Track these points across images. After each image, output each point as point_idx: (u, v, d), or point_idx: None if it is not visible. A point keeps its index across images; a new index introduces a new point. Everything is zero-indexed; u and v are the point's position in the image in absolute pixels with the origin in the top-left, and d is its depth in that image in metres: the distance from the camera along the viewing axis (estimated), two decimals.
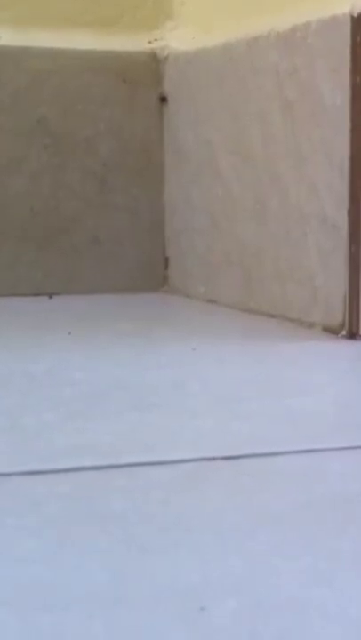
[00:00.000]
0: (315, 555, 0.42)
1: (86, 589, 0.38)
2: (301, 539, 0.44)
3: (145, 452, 0.56)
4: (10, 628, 0.35)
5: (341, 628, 0.35)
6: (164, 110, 1.26)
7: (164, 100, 1.25)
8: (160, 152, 1.26)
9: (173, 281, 1.26)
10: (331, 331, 0.94)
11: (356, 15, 0.90)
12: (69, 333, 0.94)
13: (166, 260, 1.27)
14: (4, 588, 0.38)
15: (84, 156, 1.24)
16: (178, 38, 1.24)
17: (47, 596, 0.38)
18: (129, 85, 1.25)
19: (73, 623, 0.35)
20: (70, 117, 1.23)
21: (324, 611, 0.36)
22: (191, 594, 0.38)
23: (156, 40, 1.26)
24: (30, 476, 0.52)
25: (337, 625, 0.35)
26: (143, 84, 1.25)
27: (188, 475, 0.52)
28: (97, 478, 0.52)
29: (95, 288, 1.24)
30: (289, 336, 0.95)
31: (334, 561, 0.41)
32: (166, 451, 0.54)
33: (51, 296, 1.21)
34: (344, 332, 0.92)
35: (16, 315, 1.12)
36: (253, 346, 0.90)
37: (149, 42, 1.26)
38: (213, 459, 0.54)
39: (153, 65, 1.25)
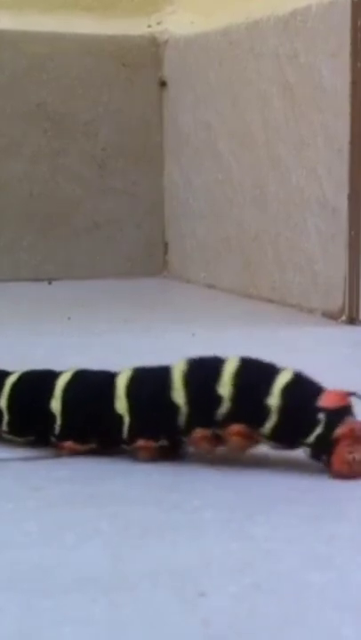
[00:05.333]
0: (315, 538, 0.42)
1: (86, 573, 0.38)
2: (302, 522, 0.44)
3: None
4: (10, 612, 0.35)
5: (341, 611, 0.35)
6: (163, 94, 1.25)
7: (163, 84, 1.25)
8: (159, 136, 1.26)
9: (173, 266, 1.26)
10: (330, 316, 0.94)
11: None
12: (69, 319, 0.94)
13: (166, 244, 1.27)
14: (4, 572, 0.38)
15: (84, 140, 1.23)
16: (177, 22, 1.24)
17: (47, 580, 0.38)
18: (128, 69, 1.24)
19: (73, 607, 0.35)
20: (70, 101, 1.22)
21: (324, 594, 0.36)
22: (191, 577, 0.38)
23: (155, 24, 1.26)
24: (30, 462, 0.52)
25: (337, 609, 0.35)
26: (143, 68, 1.25)
27: (189, 459, 0.52)
28: (96, 462, 0.52)
29: (95, 273, 1.24)
30: (289, 321, 0.95)
31: (334, 544, 0.41)
32: None
33: (50, 281, 1.21)
34: (344, 318, 0.92)
35: (15, 300, 1.12)
36: (253, 331, 0.90)
37: (149, 26, 1.26)
38: None
39: (152, 49, 1.25)
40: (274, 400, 0.48)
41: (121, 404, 0.50)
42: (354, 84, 0.90)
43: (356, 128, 0.91)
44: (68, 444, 0.52)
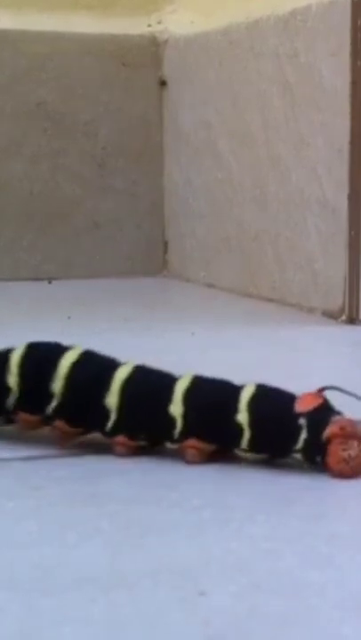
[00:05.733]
0: (315, 537, 0.42)
1: (86, 572, 0.38)
2: (301, 521, 0.44)
3: None
4: (10, 612, 0.35)
5: (341, 610, 0.35)
6: (163, 94, 1.25)
7: (163, 84, 1.25)
8: (159, 136, 1.26)
9: (173, 265, 1.26)
10: (330, 315, 0.94)
11: None
12: (69, 318, 0.94)
13: (166, 244, 1.27)
14: (4, 572, 0.38)
15: (84, 140, 1.23)
16: (177, 22, 1.24)
17: (47, 579, 0.38)
18: (128, 69, 1.24)
19: (73, 606, 0.35)
20: (69, 101, 1.22)
21: (324, 593, 0.36)
22: (191, 576, 0.38)
23: (155, 23, 1.26)
24: (30, 461, 0.52)
25: (337, 608, 0.35)
26: (143, 67, 1.25)
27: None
28: (97, 462, 0.52)
29: (94, 272, 1.24)
30: (288, 321, 0.95)
31: (334, 543, 0.41)
32: None
33: (50, 281, 1.21)
34: (344, 317, 0.92)
35: (15, 299, 1.12)
36: (253, 330, 0.90)
37: (149, 25, 1.26)
38: None
39: (152, 48, 1.25)
40: (242, 415, 0.49)
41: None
42: (354, 83, 0.90)
43: (356, 128, 0.91)
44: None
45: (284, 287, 1.02)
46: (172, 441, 0.51)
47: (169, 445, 0.51)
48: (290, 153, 0.99)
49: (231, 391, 0.50)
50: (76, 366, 0.52)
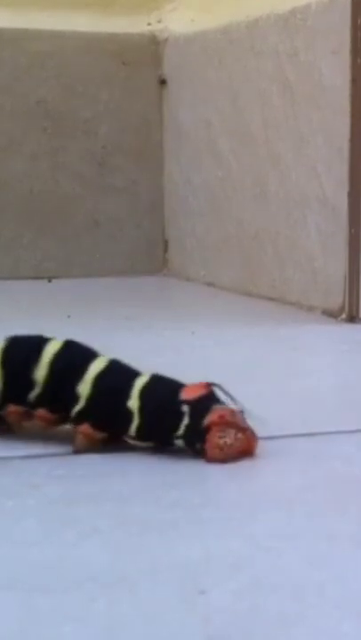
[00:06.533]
0: (315, 536, 0.42)
1: (86, 571, 0.38)
2: (302, 520, 0.44)
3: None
4: (10, 610, 0.35)
5: (341, 609, 0.35)
6: (163, 92, 1.25)
7: (163, 82, 1.25)
8: (159, 134, 1.26)
9: (173, 264, 1.26)
10: (330, 314, 0.94)
11: None
12: (69, 316, 0.94)
13: (166, 242, 1.27)
14: (4, 570, 0.38)
15: (84, 139, 1.23)
16: (177, 20, 1.24)
17: (47, 578, 0.38)
18: (128, 67, 1.24)
19: (73, 604, 0.35)
20: (69, 99, 1.22)
21: (324, 592, 0.36)
22: (191, 575, 0.38)
23: (155, 22, 1.26)
24: (30, 460, 0.52)
25: (337, 606, 0.35)
26: (142, 65, 1.25)
27: (188, 457, 0.52)
28: (96, 461, 0.52)
29: (94, 271, 1.24)
30: (288, 319, 0.95)
31: (334, 542, 0.41)
32: None
33: (50, 279, 1.21)
34: (344, 316, 0.92)
35: (15, 298, 1.12)
36: (253, 329, 0.90)
37: (149, 24, 1.26)
38: None
39: (152, 47, 1.25)
40: (134, 402, 0.51)
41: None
42: (354, 81, 0.90)
43: (356, 126, 0.91)
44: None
45: (284, 286, 1.02)
46: (71, 421, 0.52)
47: (68, 426, 0.53)
48: (290, 151, 0.99)
49: (127, 379, 0.52)
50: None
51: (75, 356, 0.53)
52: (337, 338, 0.87)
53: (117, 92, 1.24)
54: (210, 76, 1.14)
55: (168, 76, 1.24)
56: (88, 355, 0.53)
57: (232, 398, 0.51)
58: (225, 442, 0.50)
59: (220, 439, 0.50)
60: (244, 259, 1.09)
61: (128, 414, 0.51)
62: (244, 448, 0.50)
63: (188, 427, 0.50)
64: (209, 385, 0.51)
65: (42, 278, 1.21)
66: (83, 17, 1.24)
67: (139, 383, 0.51)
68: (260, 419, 0.51)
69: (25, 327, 0.91)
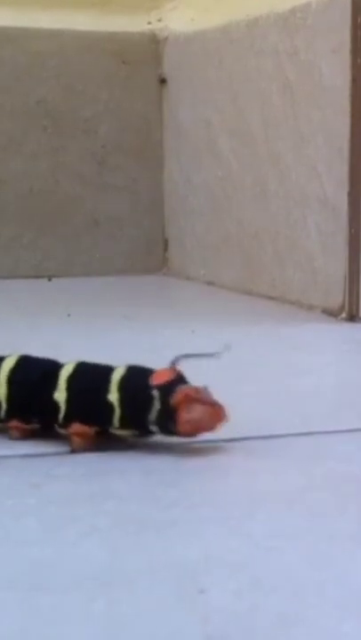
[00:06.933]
0: (315, 536, 0.42)
1: (86, 570, 0.38)
2: (302, 520, 0.44)
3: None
4: (10, 610, 0.35)
5: (341, 609, 0.35)
6: (163, 91, 1.25)
7: (163, 81, 1.25)
8: (159, 133, 1.26)
9: (173, 263, 1.26)
10: (330, 313, 0.94)
11: None
12: (69, 315, 0.94)
13: (166, 241, 1.27)
14: (4, 569, 0.38)
15: (84, 138, 1.23)
16: (177, 19, 1.23)
17: (47, 577, 0.38)
18: (128, 66, 1.24)
19: (73, 604, 0.35)
20: (69, 98, 1.22)
21: (324, 591, 0.36)
22: (191, 574, 0.38)
23: (155, 21, 1.26)
24: (30, 459, 0.52)
25: (337, 606, 0.35)
26: (143, 64, 1.25)
27: (188, 456, 0.52)
28: (96, 460, 0.52)
29: (94, 270, 1.24)
30: (289, 318, 0.94)
31: (334, 542, 0.41)
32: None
33: (50, 278, 1.21)
34: (344, 315, 0.92)
35: (15, 297, 1.12)
36: (253, 328, 0.90)
37: (149, 23, 1.26)
38: (213, 441, 0.54)
39: (152, 46, 1.25)
40: (113, 395, 0.53)
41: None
42: (354, 81, 0.90)
43: (356, 126, 0.91)
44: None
45: (283, 285, 1.02)
46: (59, 425, 0.54)
47: (58, 429, 0.54)
48: (290, 151, 0.99)
49: (104, 374, 0.53)
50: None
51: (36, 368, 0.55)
52: (337, 337, 0.87)
53: (117, 92, 1.24)
54: (210, 76, 1.14)
55: (168, 75, 1.24)
56: (49, 364, 0.55)
57: (207, 355, 0.54)
58: (192, 417, 0.52)
59: (188, 414, 0.52)
60: (244, 258, 1.09)
61: (110, 407, 0.52)
62: (213, 420, 0.52)
63: (159, 411, 0.52)
64: (176, 369, 0.53)
65: (42, 277, 1.21)
66: (83, 16, 1.24)
67: (116, 376, 0.53)
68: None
69: (25, 326, 0.91)
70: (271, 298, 1.03)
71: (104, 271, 1.24)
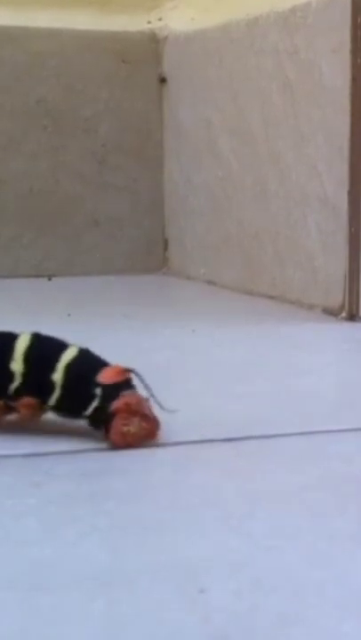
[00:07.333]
0: (315, 535, 0.42)
1: (86, 570, 0.38)
2: (302, 519, 0.44)
3: None
4: (10, 609, 0.35)
5: (341, 608, 0.35)
6: (163, 91, 1.25)
7: (163, 80, 1.25)
8: (159, 133, 1.26)
9: (173, 262, 1.26)
10: (331, 312, 0.94)
11: None
12: (69, 315, 0.94)
13: (166, 241, 1.27)
14: (4, 569, 0.38)
15: (84, 137, 1.23)
16: (177, 18, 1.23)
17: (47, 577, 0.38)
18: (128, 66, 1.24)
19: (73, 603, 0.35)
20: (69, 98, 1.22)
21: (324, 591, 0.36)
22: (191, 574, 0.38)
23: (155, 20, 1.26)
24: (30, 458, 0.52)
25: (337, 606, 0.35)
26: (143, 64, 1.25)
27: (187, 456, 0.52)
28: (96, 459, 0.52)
29: (94, 270, 1.24)
30: (289, 317, 0.94)
31: (334, 541, 0.41)
32: (166, 432, 0.54)
33: (50, 278, 1.21)
34: (344, 314, 0.92)
35: (16, 296, 1.12)
36: (253, 327, 0.90)
37: (149, 22, 1.26)
38: (213, 440, 0.54)
39: (152, 45, 1.25)
40: (57, 375, 0.52)
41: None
42: (354, 80, 0.90)
43: (356, 125, 0.91)
44: None
45: (284, 284, 1.02)
46: (9, 397, 0.54)
47: (7, 402, 0.54)
48: (290, 150, 0.99)
49: (54, 351, 0.54)
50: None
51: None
52: (337, 336, 0.87)
53: (117, 91, 1.24)
54: (210, 75, 1.14)
55: (168, 74, 1.24)
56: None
57: (146, 385, 0.52)
58: (128, 430, 0.51)
59: (124, 427, 0.51)
60: (244, 257, 1.09)
61: (51, 385, 0.53)
62: (146, 435, 0.52)
63: (96, 409, 0.52)
64: (127, 371, 0.52)
65: (42, 276, 1.21)
66: (83, 15, 1.24)
67: (65, 357, 0.53)
68: (170, 410, 0.53)
69: (25, 325, 0.91)
70: (271, 297, 1.03)
71: (104, 271, 1.24)
